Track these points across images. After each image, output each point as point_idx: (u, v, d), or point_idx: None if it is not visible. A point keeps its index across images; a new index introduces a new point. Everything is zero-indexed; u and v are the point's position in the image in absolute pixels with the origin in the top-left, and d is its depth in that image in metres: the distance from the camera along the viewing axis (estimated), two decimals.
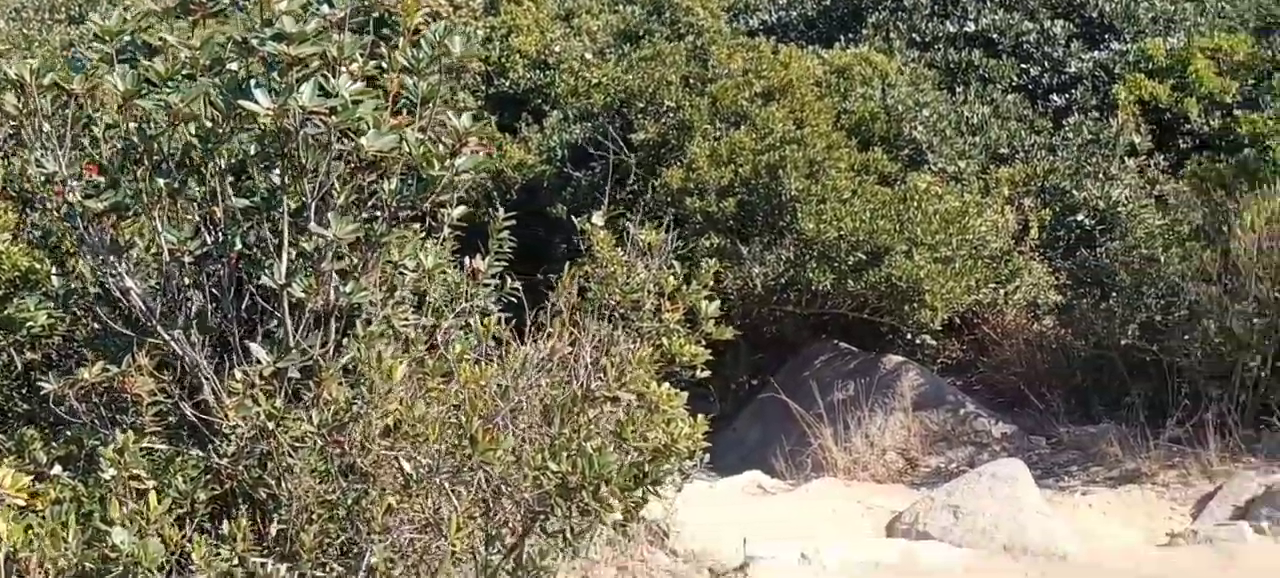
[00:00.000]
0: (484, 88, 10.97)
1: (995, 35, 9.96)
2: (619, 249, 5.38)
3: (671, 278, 5.05)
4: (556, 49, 10.74)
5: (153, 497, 2.76)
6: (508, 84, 10.92)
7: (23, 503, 2.85)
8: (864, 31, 10.25)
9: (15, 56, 3.35)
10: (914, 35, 10.13)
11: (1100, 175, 7.96)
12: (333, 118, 2.72)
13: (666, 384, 3.97)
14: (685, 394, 3.87)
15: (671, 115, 8.46)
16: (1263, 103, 8.05)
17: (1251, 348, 6.46)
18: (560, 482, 3.03)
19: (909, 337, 8.17)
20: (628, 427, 3.12)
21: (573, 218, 7.41)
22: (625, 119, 8.87)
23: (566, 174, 9.33)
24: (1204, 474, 6.30)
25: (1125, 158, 8.01)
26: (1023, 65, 9.80)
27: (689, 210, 7.83)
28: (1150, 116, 8.82)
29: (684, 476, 4.24)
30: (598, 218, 5.25)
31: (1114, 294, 7.22)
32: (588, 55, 10.36)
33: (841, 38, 10.23)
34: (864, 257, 7.33)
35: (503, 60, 10.91)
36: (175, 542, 2.75)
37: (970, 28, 10.00)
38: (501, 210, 4.47)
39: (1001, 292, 7.89)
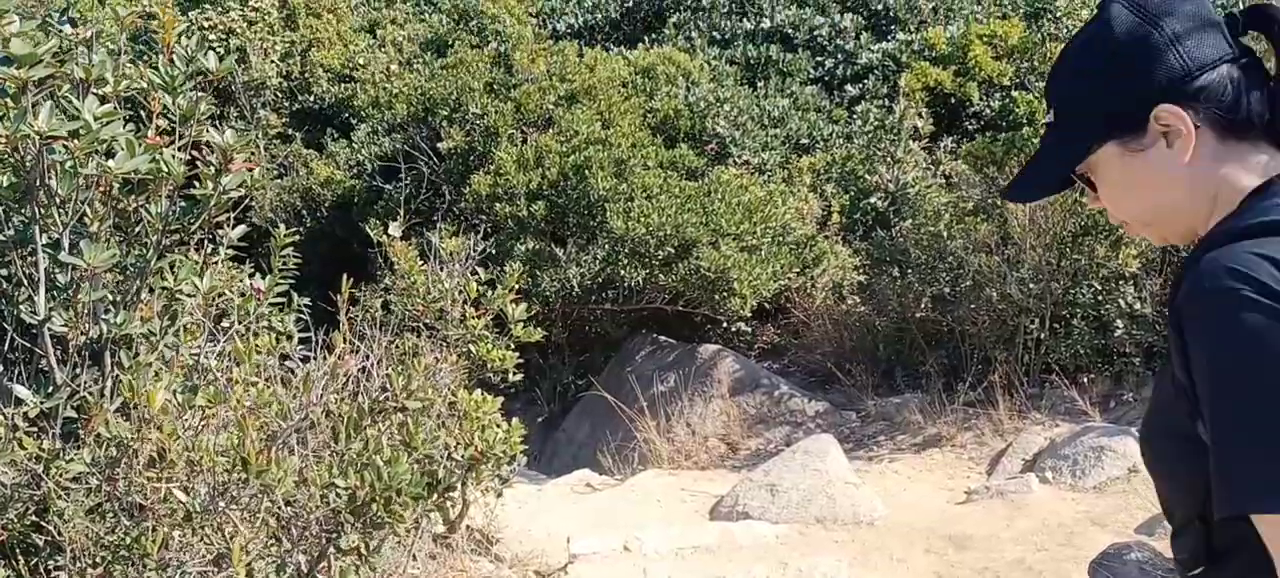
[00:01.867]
0: (287, 105, 10.67)
1: (790, 31, 10.34)
2: (423, 259, 5.34)
3: (475, 285, 5.05)
4: (361, 61, 10.54)
5: None
6: (312, 99, 10.65)
7: None
8: (666, 32, 10.47)
9: None
10: (714, 34, 10.42)
11: (889, 159, 8.37)
12: (75, 142, 2.60)
13: (480, 391, 3.97)
14: (499, 400, 3.89)
15: (477, 122, 8.43)
16: (1029, 83, 8.63)
17: (1030, 311, 6.93)
18: (350, 498, 2.99)
19: (724, 325, 8.40)
20: (417, 435, 3.10)
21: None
22: (432, 129, 8.79)
23: (377, 188, 9.18)
24: (996, 433, 6.72)
25: (910, 141, 8.45)
26: (818, 58, 10.21)
27: (500, 216, 7.82)
28: (937, 101, 9.32)
29: (503, 480, 4.26)
30: (394, 229, 5.21)
31: (909, 271, 7.62)
32: (393, 66, 10.21)
33: (645, 39, 10.42)
34: (673, 250, 7.50)
35: (305, 75, 10.63)
36: None
37: (767, 24, 10.35)
38: (299, 228, 4.40)
39: (808, 276, 8.20)
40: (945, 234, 7.15)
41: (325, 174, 9.35)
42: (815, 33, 10.28)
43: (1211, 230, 1.19)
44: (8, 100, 2.52)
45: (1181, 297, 1.13)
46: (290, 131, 10.32)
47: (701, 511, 6.39)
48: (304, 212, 9.39)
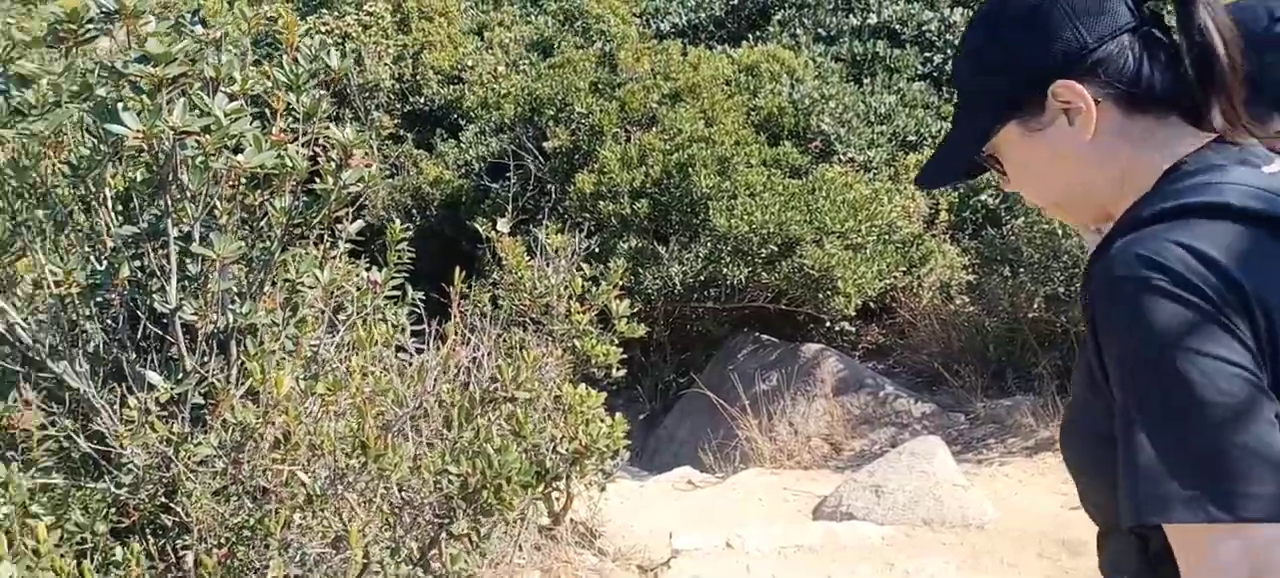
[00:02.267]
0: (399, 106, 10.95)
1: (898, 26, 10.17)
2: (529, 256, 5.42)
3: (580, 281, 5.12)
4: (469, 63, 10.75)
5: (42, 529, 2.73)
6: (423, 101, 10.90)
7: None
8: (771, 29, 10.41)
9: None
10: (820, 30, 10.31)
11: None
12: (207, 137, 2.72)
13: (584, 386, 4.03)
14: (603, 395, 3.94)
15: (582, 121, 8.52)
16: None
17: None
18: (462, 484, 3.07)
19: (828, 325, 8.31)
20: (526, 424, 3.16)
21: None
22: (538, 128, 8.92)
23: (484, 187, 9.35)
24: None
25: None
26: (926, 54, 10.02)
27: (604, 214, 7.89)
28: None
29: (606, 475, 4.30)
30: (502, 225, 5.30)
31: (1021, 270, 7.42)
32: (500, 68, 10.39)
33: (749, 36, 10.38)
34: (776, 248, 7.45)
35: (417, 78, 10.90)
36: (68, 574, 2.73)
37: (873, 20, 10.20)
38: (410, 225, 4.53)
39: (915, 275, 8.06)
40: (1060, 232, 6.94)
41: (435, 174, 9.57)
42: (923, 28, 10.10)
43: (1123, 214, 1.11)
44: (144, 97, 2.64)
45: (1093, 287, 1.05)
46: (402, 133, 10.59)
47: (804, 510, 6.33)
48: (414, 210, 9.61)
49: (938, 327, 8.14)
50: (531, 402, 3.27)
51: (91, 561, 3.11)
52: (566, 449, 3.56)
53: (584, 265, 5.49)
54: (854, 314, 7.97)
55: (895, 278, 7.85)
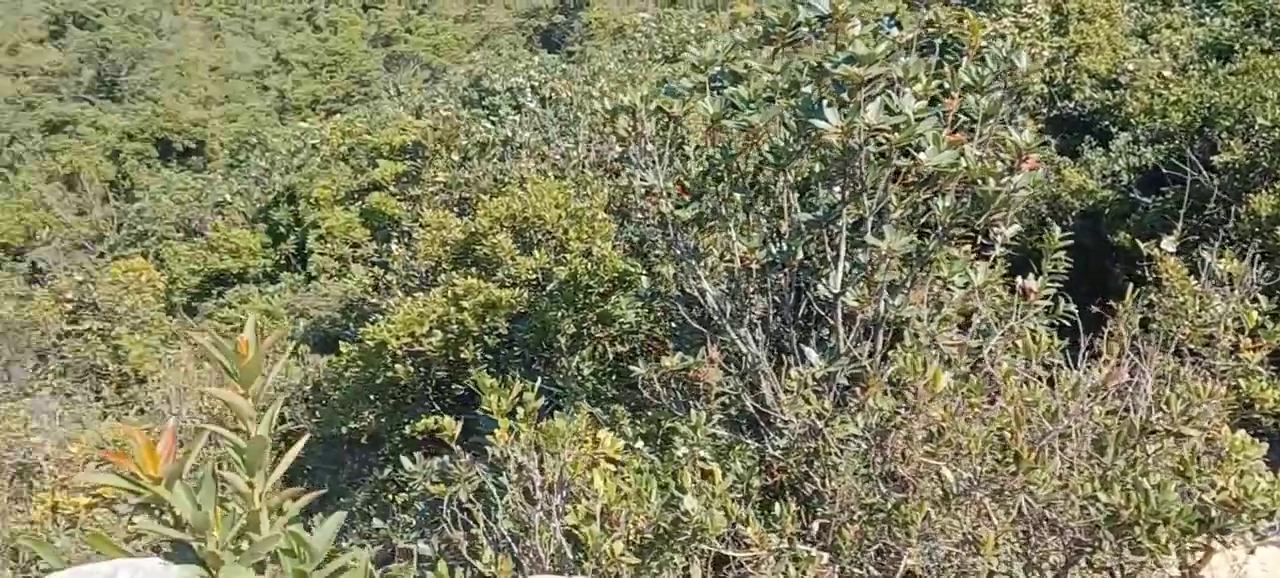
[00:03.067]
0: (1045, 110, 10.54)
1: None
2: (1191, 279, 4.92)
3: (1254, 314, 4.53)
4: (1130, 67, 9.99)
5: (717, 473, 3.09)
6: (1072, 106, 10.38)
7: (614, 466, 3.37)
8: None
9: (628, 88, 3.96)
10: None
11: None
12: (895, 135, 2.84)
13: (1242, 432, 3.57)
14: (1264, 447, 3.46)
15: (1265, 135, 7.45)
16: None
17: None
18: (1111, 515, 2.88)
19: None
20: (1191, 467, 2.87)
21: (1137, 245, 6.86)
22: (1208, 140, 8.00)
23: (1131, 199, 8.63)
24: None
25: None
26: None
27: None
28: None
29: (1258, 536, 3.79)
30: (1168, 244, 4.86)
31: None
32: (1166, 72, 9.51)
33: None
34: None
35: (1068, 81, 10.40)
36: (735, 517, 3.06)
37: None
38: (1058, 232, 4.34)
39: None
40: None
41: (1077, 182, 9.06)
42: None
43: None
44: (844, 95, 2.84)
45: None
46: (1046, 137, 10.20)
47: None
48: (1049, 218, 9.21)
49: None
50: (1200, 442, 2.95)
51: (744, 509, 3.46)
52: (1212, 498, 3.16)
53: (1260, 297, 4.84)
54: None
55: None
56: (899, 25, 3.17)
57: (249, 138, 30.10)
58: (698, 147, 3.65)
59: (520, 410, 3.09)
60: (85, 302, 12.56)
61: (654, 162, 3.56)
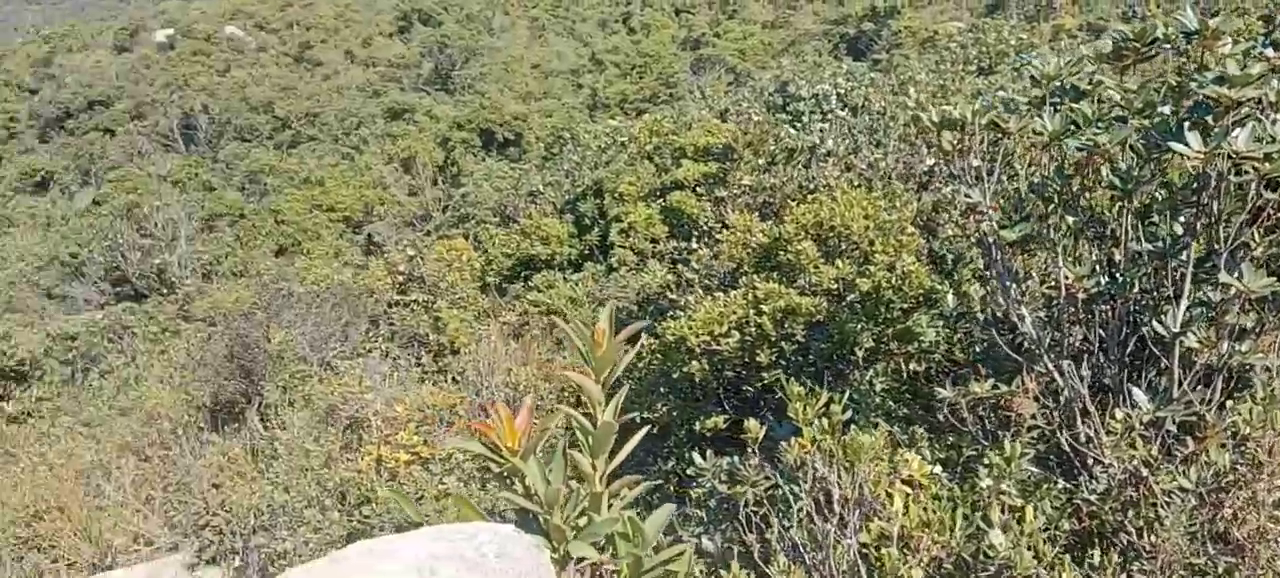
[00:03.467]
0: None
1: None
2: None
3: None
4: None
5: (1030, 512, 2.93)
6: None
7: (909, 489, 3.27)
8: None
9: (957, 100, 3.82)
10: None
11: None
12: (1265, 165, 2.57)
13: None
14: None
15: None
16: None
17: None
18: None
19: None
20: None
21: None
22: None
23: None
24: None
25: None
26: None
27: None
28: None
29: None
30: None
31: None
32: None
33: None
34: None
35: None
36: (1047, 559, 2.88)
37: None
38: None
39: None
40: None
41: None
42: None
43: None
44: (1209, 119, 2.60)
45: None
46: None
47: None
48: None
49: None
50: None
51: (1051, 551, 3.25)
52: None
53: None
54: None
55: None
56: (1276, 45, 2.85)
57: (563, 133, 31.84)
58: (1031, 165, 3.47)
59: (824, 421, 3.06)
60: (413, 275, 13.76)
61: (980, 178, 3.41)
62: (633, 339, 1.48)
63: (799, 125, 12.92)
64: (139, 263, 29.96)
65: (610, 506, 1.39)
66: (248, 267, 27.40)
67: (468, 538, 1.35)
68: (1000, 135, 3.28)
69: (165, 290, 27.18)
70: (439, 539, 1.35)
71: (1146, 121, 2.85)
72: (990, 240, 3.58)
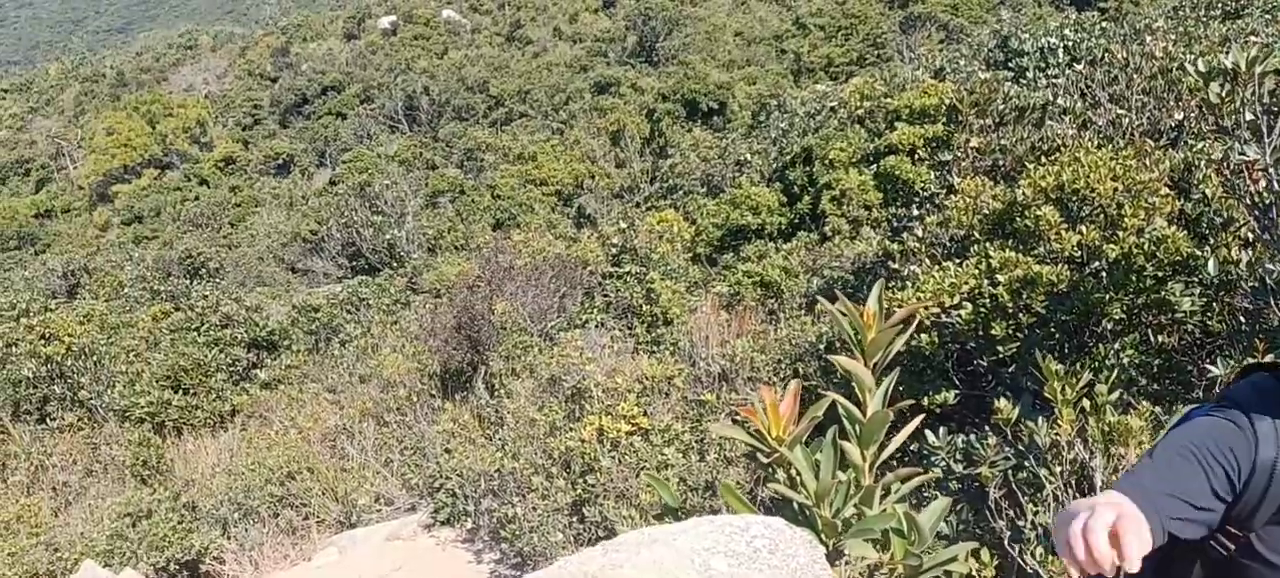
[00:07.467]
0: None
1: None
2: None
3: None
4: None
5: None
6: None
7: None
8: None
9: (1233, 48, 3.44)
10: None
11: None
12: None
13: None
14: None
15: None
16: None
17: None
18: None
19: None
20: None
21: None
22: None
23: None
24: None
25: None
26: None
27: None
28: None
29: None
30: None
31: None
32: None
33: None
34: None
35: None
36: None
37: None
38: None
39: None
40: None
41: None
42: None
43: None
44: None
45: None
46: None
47: None
48: None
49: None
50: None
51: None
52: None
53: None
54: None
55: None
56: None
57: (769, 99, 31.48)
58: None
59: (1089, 402, 2.84)
60: (626, 246, 13.94)
61: (1257, 133, 3.08)
62: (907, 321, 1.39)
63: (1023, 81, 12.23)
64: (372, 238, 31.88)
65: (883, 499, 1.30)
66: (468, 240, 28.69)
67: (740, 531, 1.30)
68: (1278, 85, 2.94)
69: (395, 264, 28.82)
70: (711, 531, 1.31)
71: None
72: (1269, 201, 3.22)
